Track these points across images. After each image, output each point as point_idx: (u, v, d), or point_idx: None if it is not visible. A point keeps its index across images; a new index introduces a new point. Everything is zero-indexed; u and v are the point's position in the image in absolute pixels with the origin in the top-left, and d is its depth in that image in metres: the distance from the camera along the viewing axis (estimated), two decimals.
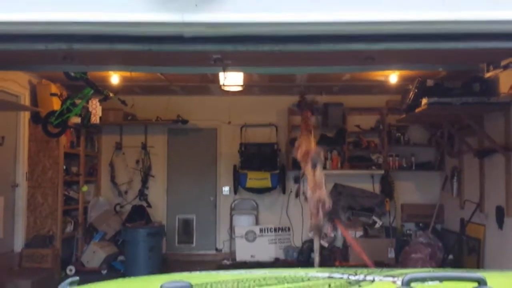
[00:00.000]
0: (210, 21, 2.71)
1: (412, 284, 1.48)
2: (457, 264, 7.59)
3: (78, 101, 6.79)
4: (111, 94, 6.83)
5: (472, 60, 4.98)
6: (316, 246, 5.64)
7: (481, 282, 1.48)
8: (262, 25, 2.76)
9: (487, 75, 5.27)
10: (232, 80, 6.41)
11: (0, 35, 3.03)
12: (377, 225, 8.51)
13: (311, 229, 5.24)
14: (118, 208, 8.92)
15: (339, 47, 3.04)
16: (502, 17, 2.81)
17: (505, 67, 4.89)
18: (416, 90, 6.78)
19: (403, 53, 4.17)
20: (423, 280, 1.53)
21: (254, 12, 2.67)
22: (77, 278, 1.68)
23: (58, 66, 4.99)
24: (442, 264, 7.52)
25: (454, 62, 5.06)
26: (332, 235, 5.47)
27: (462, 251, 7.60)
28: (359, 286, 1.73)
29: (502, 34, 3.07)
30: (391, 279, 1.78)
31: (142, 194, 9.08)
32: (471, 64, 5.12)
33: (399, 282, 1.59)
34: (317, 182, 5.07)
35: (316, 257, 5.52)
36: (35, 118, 7.16)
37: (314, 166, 5.08)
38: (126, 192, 9.17)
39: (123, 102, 7.13)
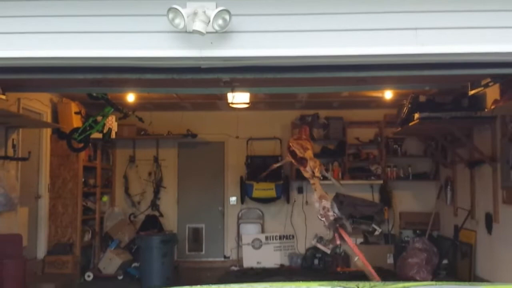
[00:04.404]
0: (223, 56, 3.27)
1: None
2: (451, 268, 8.06)
3: (99, 119, 7.35)
4: (129, 113, 7.38)
5: (456, 80, 5.51)
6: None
7: None
8: (265, 58, 3.32)
9: (471, 92, 5.81)
10: (239, 98, 6.92)
11: (47, 67, 3.59)
12: (376, 233, 8.73)
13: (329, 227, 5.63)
14: (132, 217, 9.37)
15: (331, 74, 3.60)
16: (466, 50, 3.35)
17: (485, 86, 5.43)
18: (409, 105, 7.27)
19: (391, 76, 4.70)
20: None
21: (258, 48, 3.24)
22: None
23: (85, 88, 5.54)
24: (437, 269, 8.00)
25: (439, 82, 5.58)
26: (338, 243, 5.80)
27: (456, 256, 8.01)
28: None
29: (471, 63, 3.63)
30: None
31: (154, 204, 9.54)
32: (456, 83, 5.66)
33: None
34: (321, 194, 5.58)
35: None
36: (60, 134, 7.61)
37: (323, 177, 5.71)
38: (139, 203, 9.62)
39: (140, 119, 7.70)
